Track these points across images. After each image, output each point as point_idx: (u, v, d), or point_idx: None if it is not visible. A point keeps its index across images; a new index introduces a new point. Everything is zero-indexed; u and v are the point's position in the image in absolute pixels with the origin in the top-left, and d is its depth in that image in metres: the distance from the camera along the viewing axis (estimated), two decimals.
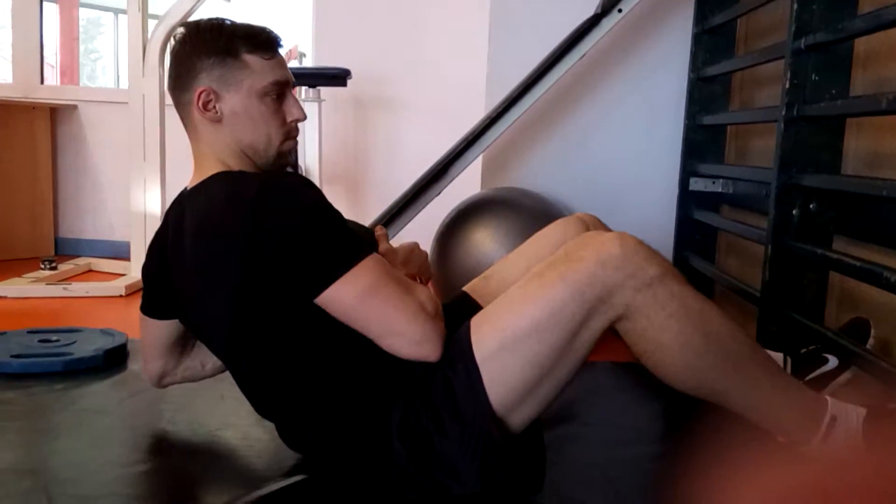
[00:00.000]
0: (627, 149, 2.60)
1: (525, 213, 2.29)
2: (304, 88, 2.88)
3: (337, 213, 1.16)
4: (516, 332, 1.10)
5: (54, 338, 1.98)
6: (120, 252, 3.29)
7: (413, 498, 1.15)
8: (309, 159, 2.87)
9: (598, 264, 1.09)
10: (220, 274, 1.17)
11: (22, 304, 2.59)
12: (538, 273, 1.13)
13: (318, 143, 2.88)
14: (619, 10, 2.28)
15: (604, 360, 1.86)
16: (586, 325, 1.10)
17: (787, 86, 1.70)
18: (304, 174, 2.84)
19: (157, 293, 1.37)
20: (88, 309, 2.55)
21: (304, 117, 1.31)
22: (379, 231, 1.41)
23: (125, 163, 2.97)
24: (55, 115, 3.55)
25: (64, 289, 2.73)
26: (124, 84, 3.95)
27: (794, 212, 1.72)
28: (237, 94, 1.24)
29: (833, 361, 1.52)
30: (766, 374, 1.17)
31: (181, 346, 1.45)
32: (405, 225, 2.29)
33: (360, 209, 3.30)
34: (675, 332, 1.11)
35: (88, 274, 3.14)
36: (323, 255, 1.11)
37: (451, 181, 2.30)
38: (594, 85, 2.59)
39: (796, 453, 1.20)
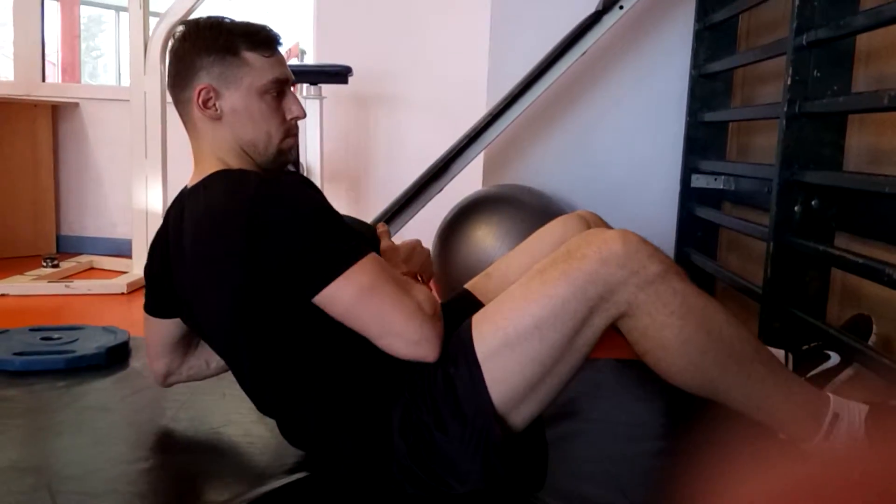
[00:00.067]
0: (629, 146, 2.60)
1: (526, 210, 2.29)
2: (305, 86, 2.88)
3: (335, 213, 1.16)
4: (518, 330, 1.10)
5: (56, 335, 1.98)
6: (122, 250, 3.29)
7: (415, 494, 1.15)
8: (310, 157, 2.87)
9: (600, 262, 1.09)
10: (219, 273, 1.17)
11: (24, 301, 2.59)
12: (540, 271, 1.13)
13: (320, 140, 2.88)
14: (621, 7, 2.28)
15: (606, 357, 1.86)
16: (588, 322, 1.10)
17: (789, 82, 1.70)
18: (305, 172, 2.84)
19: (159, 292, 1.37)
20: (90, 306, 2.55)
21: (304, 115, 1.31)
22: (381, 228, 1.41)
23: (127, 160, 2.97)
24: (57, 113, 3.55)
25: (66, 286, 2.73)
26: (126, 82, 3.95)
27: (795, 208, 1.72)
28: (237, 92, 1.24)
29: (835, 358, 1.52)
30: (768, 372, 1.17)
31: (185, 344, 1.46)
32: (406, 222, 2.29)
33: (362, 206, 3.30)
34: (677, 330, 1.11)
35: (90, 272, 3.14)
36: (320, 254, 1.10)
37: (452, 178, 2.30)
38: (595, 82, 2.59)
39: (798, 450, 1.20)
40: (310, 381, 1.17)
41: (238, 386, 1.30)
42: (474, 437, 1.10)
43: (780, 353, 1.55)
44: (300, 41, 4.50)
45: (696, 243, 2.46)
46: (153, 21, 2.88)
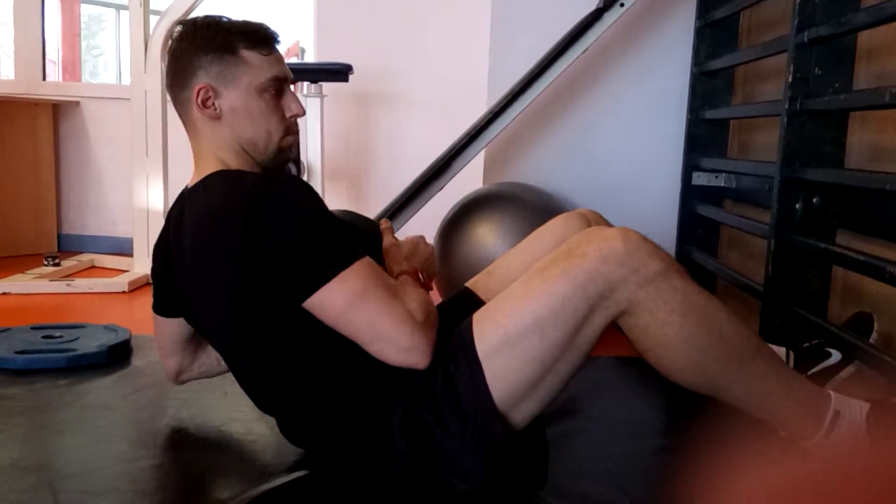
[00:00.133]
0: (630, 143, 2.60)
1: (527, 208, 2.29)
2: (305, 84, 2.88)
3: (329, 217, 1.15)
4: (518, 328, 1.10)
5: (58, 334, 1.99)
6: (123, 248, 3.29)
7: (416, 492, 1.15)
8: (311, 155, 2.87)
9: (601, 260, 1.09)
10: (217, 273, 1.17)
11: (25, 300, 2.59)
12: (540, 269, 1.13)
13: (320, 138, 2.87)
14: (622, 5, 2.28)
15: (607, 355, 1.86)
16: (589, 320, 1.10)
17: (790, 80, 1.70)
18: (305, 170, 2.84)
19: (164, 292, 1.38)
20: (91, 305, 2.56)
21: (303, 112, 1.31)
22: (384, 224, 1.41)
23: (128, 159, 2.98)
24: (57, 112, 3.55)
25: (67, 285, 2.74)
26: (126, 80, 3.95)
27: (797, 206, 1.72)
28: (236, 91, 1.24)
29: (836, 356, 1.52)
30: (769, 369, 1.17)
31: (195, 342, 1.46)
32: (407, 220, 2.29)
33: (363, 205, 3.30)
34: (677, 328, 1.11)
35: (91, 270, 3.14)
36: (312, 257, 1.10)
37: (453, 176, 2.30)
38: (596, 80, 2.59)
39: (799, 448, 1.20)
40: (309, 381, 1.17)
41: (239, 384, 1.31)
42: (475, 435, 1.10)
43: (781, 351, 1.55)
44: (300, 39, 4.50)
45: (697, 241, 2.46)
46: (154, 19, 2.88)
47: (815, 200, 1.71)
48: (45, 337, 1.96)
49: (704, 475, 0.52)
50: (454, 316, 1.21)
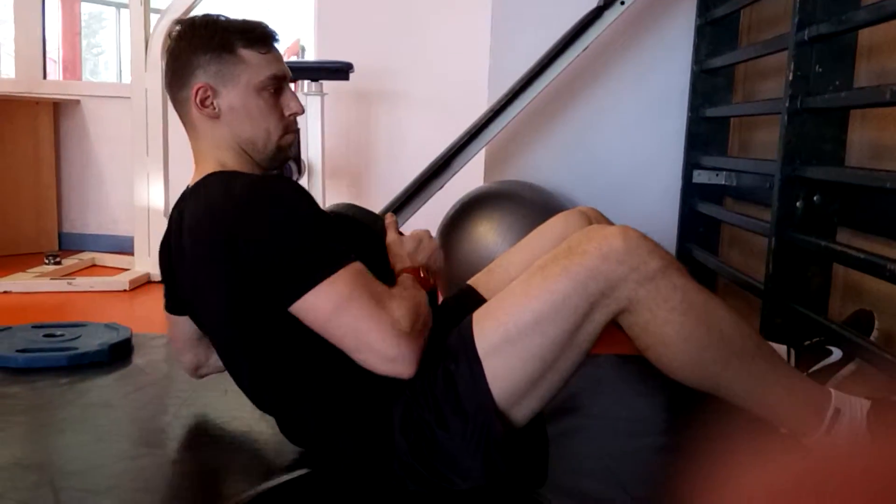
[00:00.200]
0: (630, 141, 2.60)
1: (528, 206, 2.29)
2: (306, 82, 2.88)
3: (320, 221, 1.14)
4: (519, 326, 1.10)
5: (59, 332, 1.99)
6: (124, 247, 3.29)
7: (416, 491, 1.15)
8: (311, 153, 2.87)
9: (601, 258, 1.09)
10: (210, 276, 1.18)
11: (26, 299, 2.59)
12: (541, 267, 1.13)
13: (321, 137, 2.87)
14: (622, 3, 2.28)
15: (607, 353, 1.87)
16: (589, 318, 1.10)
17: (791, 77, 1.70)
18: (306, 168, 2.84)
19: (172, 291, 1.38)
20: (93, 303, 2.56)
21: (303, 111, 1.31)
22: (388, 219, 1.40)
23: (128, 157, 2.98)
24: (58, 110, 3.55)
25: (68, 284, 2.74)
26: (127, 79, 3.95)
27: (797, 204, 1.72)
28: (234, 90, 1.24)
29: (837, 353, 1.52)
30: (769, 367, 1.17)
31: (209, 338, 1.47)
32: (408, 218, 2.29)
33: (363, 203, 3.26)
34: (677, 326, 1.11)
35: (92, 269, 3.14)
36: (296, 264, 1.10)
37: (453, 174, 2.30)
38: (596, 78, 2.59)
39: (800, 446, 1.20)
40: (309, 381, 1.17)
41: None
42: (475, 433, 1.10)
43: (782, 349, 1.55)
44: (301, 38, 4.49)
45: (698, 239, 2.46)
46: (154, 18, 2.88)
47: (815, 198, 1.71)
48: (46, 335, 1.97)
49: (705, 473, 0.52)
50: (456, 314, 1.21)
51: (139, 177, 2.91)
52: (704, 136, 2.44)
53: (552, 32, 2.34)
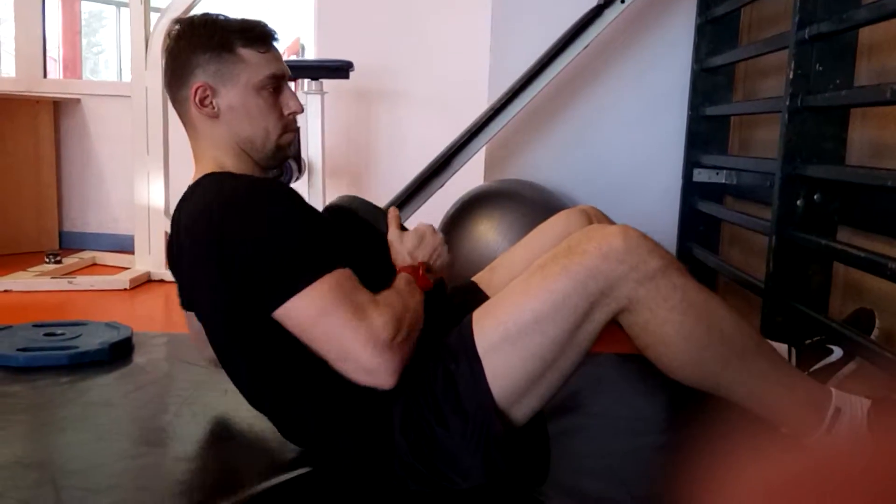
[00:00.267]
0: (631, 140, 2.60)
1: (528, 205, 2.29)
2: (306, 81, 2.88)
3: (305, 228, 1.13)
4: (518, 325, 1.10)
5: (60, 331, 1.99)
6: (124, 245, 3.29)
7: (417, 490, 1.15)
8: (312, 152, 2.87)
9: (601, 257, 1.09)
10: (204, 277, 1.19)
11: (27, 297, 2.59)
12: (541, 266, 1.13)
13: (321, 135, 2.87)
14: (622, 1, 2.27)
15: (607, 352, 1.86)
16: (589, 317, 1.10)
17: (791, 76, 1.70)
18: (306, 167, 2.84)
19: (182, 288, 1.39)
20: (93, 302, 2.56)
21: (302, 110, 1.31)
22: (392, 213, 1.38)
23: (129, 156, 2.98)
24: (58, 109, 3.55)
25: (69, 282, 2.74)
26: (127, 77, 3.94)
27: (798, 202, 1.72)
28: (234, 89, 1.24)
29: (837, 352, 1.52)
30: (769, 366, 1.17)
31: None
32: (408, 217, 2.29)
33: None
34: (677, 325, 1.11)
35: (93, 267, 3.14)
36: (279, 271, 1.10)
37: (454, 173, 2.30)
38: (597, 76, 2.58)
39: (800, 445, 1.20)
40: (308, 381, 1.17)
41: None
42: (475, 432, 1.10)
43: (782, 348, 1.55)
44: (301, 36, 4.49)
45: (699, 238, 2.46)
46: (154, 16, 2.88)
47: (815, 197, 1.71)
48: (46, 334, 1.97)
49: (706, 471, 0.52)
50: (458, 310, 1.21)
51: (139, 175, 2.91)
52: (705, 134, 2.44)
53: (552, 31, 2.33)
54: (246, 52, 1.24)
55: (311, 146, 2.86)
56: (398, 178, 2.46)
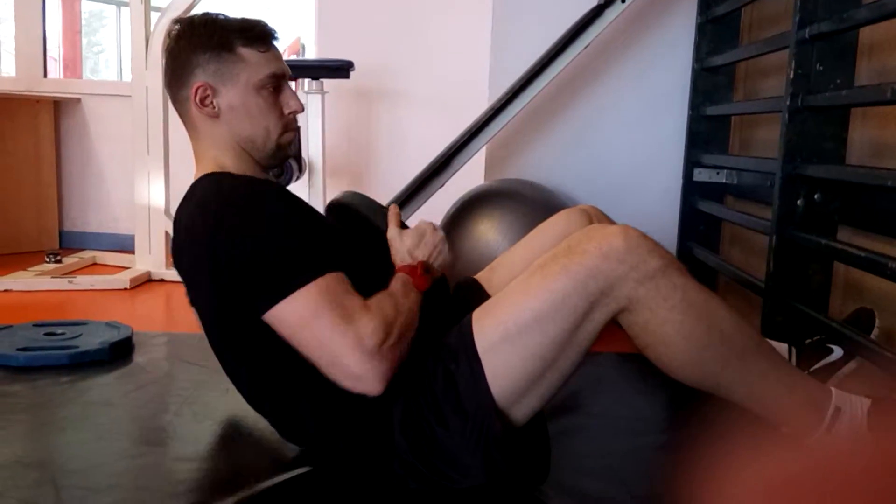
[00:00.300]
0: (631, 140, 2.60)
1: (528, 204, 2.29)
2: (306, 80, 2.88)
3: (296, 232, 1.13)
4: (518, 324, 1.10)
5: (60, 331, 1.99)
6: (124, 245, 3.29)
7: (417, 489, 1.15)
8: (312, 152, 2.87)
9: (601, 257, 1.09)
10: (199, 278, 1.20)
11: (27, 297, 2.59)
12: (541, 265, 1.13)
13: (322, 135, 2.87)
14: (623, 1, 2.27)
15: (607, 351, 1.86)
16: (589, 317, 1.10)
17: (792, 76, 1.70)
18: (307, 167, 2.84)
19: None
20: (93, 302, 2.56)
21: (302, 109, 1.31)
22: (392, 210, 1.36)
23: (129, 155, 2.98)
24: (59, 109, 3.55)
25: (69, 282, 2.74)
26: (127, 77, 3.95)
27: (798, 202, 1.72)
28: (234, 88, 1.24)
29: (838, 352, 1.52)
30: (770, 366, 1.17)
31: None
32: (409, 217, 2.29)
33: None
34: (677, 325, 1.10)
35: (93, 267, 3.14)
36: (267, 275, 1.10)
37: (454, 173, 2.30)
38: (597, 76, 2.58)
39: (800, 444, 1.20)
40: (307, 382, 1.16)
41: None
42: (475, 431, 1.10)
43: (782, 347, 1.55)
44: (301, 36, 4.49)
45: (699, 237, 2.46)
46: (154, 16, 2.88)
47: (816, 197, 1.71)
48: (47, 334, 1.97)
49: (706, 471, 0.52)
50: (460, 309, 1.21)
51: (140, 175, 2.91)
52: (705, 134, 2.44)
53: (553, 31, 2.33)
54: (246, 52, 1.24)
55: (312, 146, 2.86)
56: (398, 178, 2.46)
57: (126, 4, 3.55)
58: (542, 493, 1.19)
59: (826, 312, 1.72)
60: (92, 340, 1.91)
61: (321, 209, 2.74)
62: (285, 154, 1.32)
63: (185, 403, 1.58)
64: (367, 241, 1.34)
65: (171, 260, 1.38)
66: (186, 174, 1.32)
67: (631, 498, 1.23)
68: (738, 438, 1.22)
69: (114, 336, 1.95)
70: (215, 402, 1.58)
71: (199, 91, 1.24)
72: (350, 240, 1.36)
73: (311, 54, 3.76)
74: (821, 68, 1.67)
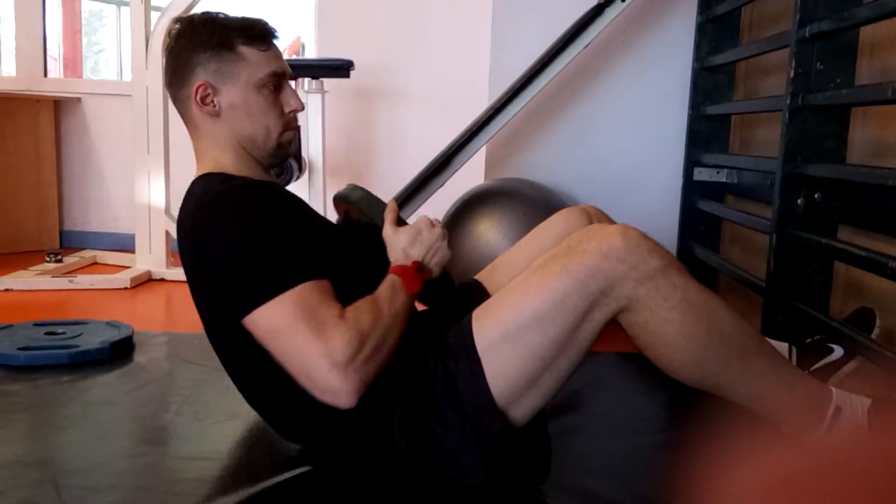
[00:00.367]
0: (631, 139, 2.60)
1: (528, 204, 2.29)
2: (306, 80, 2.88)
3: (277, 239, 1.12)
4: (518, 324, 1.10)
5: (60, 330, 1.99)
6: (125, 244, 3.30)
7: (418, 488, 1.15)
8: (312, 151, 2.87)
9: (601, 256, 1.08)
10: (192, 281, 1.21)
11: (28, 296, 2.60)
12: (540, 265, 1.13)
13: (322, 134, 2.87)
14: (623, 0, 2.27)
15: (607, 351, 1.86)
16: (589, 317, 1.10)
17: (792, 75, 1.70)
18: (307, 166, 2.84)
19: None
20: (94, 301, 2.56)
21: (302, 108, 1.31)
22: (389, 207, 1.34)
23: (129, 155, 2.98)
24: (59, 108, 3.55)
25: (69, 281, 2.74)
26: (127, 76, 3.95)
27: (798, 201, 1.72)
28: (234, 87, 1.24)
29: (838, 351, 1.52)
30: (769, 365, 1.17)
31: None
32: (409, 216, 2.29)
33: None
34: (677, 325, 1.10)
35: (94, 266, 3.15)
36: (243, 281, 1.10)
37: (454, 172, 2.30)
38: (597, 75, 2.58)
39: (801, 444, 1.20)
40: None
41: None
42: (474, 431, 1.10)
43: (783, 347, 1.55)
44: (301, 35, 4.48)
45: (699, 237, 2.45)
46: (155, 15, 2.88)
47: (816, 196, 1.71)
48: (47, 333, 1.97)
49: (706, 471, 0.52)
50: (461, 309, 1.20)
51: (140, 174, 2.91)
52: (705, 133, 2.43)
53: (553, 30, 2.33)
54: (246, 51, 1.24)
55: (312, 145, 2.86)
56: (399, 178, 2.46)
57: (126, 4, 3.55)
58: (543, 492, 1.19)
59: (826, 312, 1.72)
60: (92, 340, 1.91)
61: (321, 209, 2.76)
62: (286, 153, 1.32)
63: (185, 403, 1.58)
64: (369, 238, 1.33)
65: (176, 259, 1.39)
66: (187, 173, 1.32)
67: (631, 497, 1.23)
68: (739, 438, 1.22)
69: (114, 335, 1.95)
70: (216, 402, 1.58)
71: (200, 90, 1.24)
72: (349, 240, 1.36)
73: (310, 54, 3.75)
74: (821, 67, 1.67)
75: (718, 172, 2.14)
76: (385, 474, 1.15)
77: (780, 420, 1.22)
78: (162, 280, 2.88)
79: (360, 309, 1.11)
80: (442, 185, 2.30)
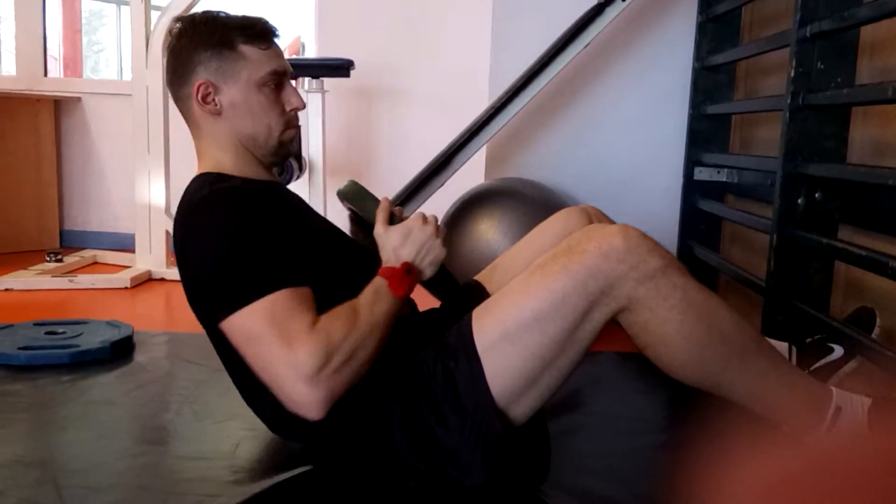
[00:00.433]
0: (631, 139, 2.60)
1: (529, 203, 2.29)
2: (307, 79, 2.88)
3: (258, 244, 1.10)
4: (518, 323, 1.10)
5: (61, 330, 1.99)
6: (125, 244, 3.30)
7: (418, 487, 1.15)
8: (312, 151, 2.87)
9: (601, 256, 1.08)
10: (182, 281, 1.21)
11: (28, 296, 2.60)
12: (540, 265, 1.13)
13: (322, 134, 2.87)
14: (623, 0, 2.27)
15: (607, 350, 1.86)
16: (588, 316, 1.10)
17: (793, 74, 1.70)
18: (307, 166, 2.84)
19: None
20: (94, 301, 2.56)
21: (303, 106, 1.31)
22: (381, 205, 1.29)
23: (129, 155, 2.98)
24: (59, 108, 3.55)
25: (70, 281, 2.74)
26: (127, 76, 3.95)
27: (799, 201, 1.72)
28: (235, 86, 1.24)
29: (838, 351, 1.52)
30: (769, 365, 1.17)
31: None
32: (409, 216, 2.28)
33: None
34: (677, 325, 1.10)
35: (94, 266, 3.15)
36: (218, 287, 1.10)
37: (454, 172, 2.30)
38: (598, 75, 2.58)
39: (801, 443, 1.20)
40: None
41: None
42: (474, 430, 1.10)
43: (783, 346, 1.55)
44: (301, 35, 4.48)
45: (700, 236, 2.45)
46: (155, 15, 2.88)
47: (817, 195, 1.70)
48: (47, 333, 1.97)
49: (706, 470, 0.51)
50: (461, 309, 1.20)
51: (140, 174, 2.91)
52: (706, 133, 2.43)
53: (553, 29, 2.33)
54: (247, 49, 1.24)
55: (312, 145, 2.86)
56: (399, 177, 2.46)
57: (126, 3, 3.55)
58: (543, 492, 1.19)
59: (827, 311, 1.72)
60: (93, 339, 1.91)
61: (321, 208, 2.76)
62: (287, 151, 1.32)
63: (185, 402, 1.58)
64: (369, 237, 1.32)
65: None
66: (187, 173, 1.32)
67: (631, 497, 1.23)
68: (739, 438, 1.22)
69: (114, 335, 1.95)
70: (216, 402, 1.58)
71: (201, 89, 1.24)
72: (349, 239, 1.36)
73: (311, 53, 3.75)
74: (822, 67, 1.67)
75: (719, 172, 2.14)
76: (385, 474, 1.15)
77: (780, 420, 1.22)
78: (162, 280, 2.88)
79: (334, 318, 1.07)
80: (442, 184, 2.30)
